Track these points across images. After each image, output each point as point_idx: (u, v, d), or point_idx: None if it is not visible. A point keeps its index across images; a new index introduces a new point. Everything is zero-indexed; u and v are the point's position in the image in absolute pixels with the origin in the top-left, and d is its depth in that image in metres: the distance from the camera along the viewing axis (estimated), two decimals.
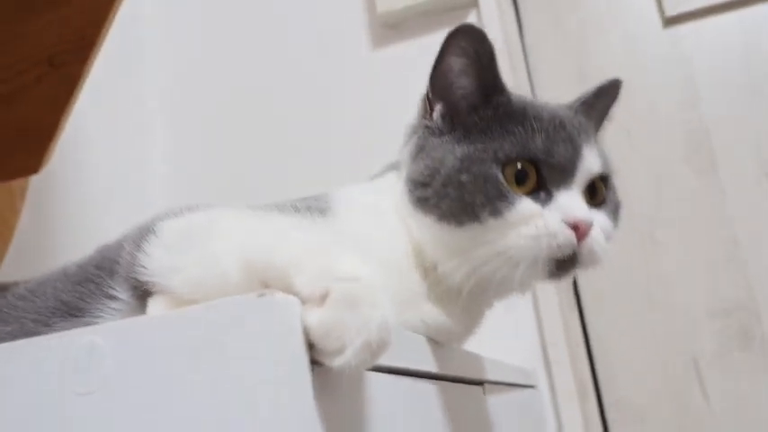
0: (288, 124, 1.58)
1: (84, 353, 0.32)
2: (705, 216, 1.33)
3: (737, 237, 1.30)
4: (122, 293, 0.47)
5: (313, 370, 0.32)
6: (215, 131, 1.64)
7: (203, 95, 1.67)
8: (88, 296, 0.48)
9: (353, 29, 1.59)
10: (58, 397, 0.32)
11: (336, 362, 0.31)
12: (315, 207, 0.55)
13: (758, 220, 1.30)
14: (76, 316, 0.48)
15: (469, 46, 0.56)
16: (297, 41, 1.63)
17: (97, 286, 0.48)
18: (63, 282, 0.51)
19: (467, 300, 0.57)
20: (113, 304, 0.47)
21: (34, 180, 1.02)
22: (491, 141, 0.55)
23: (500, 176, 0.53)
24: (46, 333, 0.46)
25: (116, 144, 1.48)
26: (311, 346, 0.32)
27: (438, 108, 0.59)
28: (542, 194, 0.54)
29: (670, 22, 1.43)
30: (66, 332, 0.34)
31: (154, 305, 0.43)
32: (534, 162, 0.54)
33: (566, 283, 1.33)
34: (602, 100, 0.66)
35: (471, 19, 1.41)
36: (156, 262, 0.44)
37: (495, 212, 0.52)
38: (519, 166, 0.54)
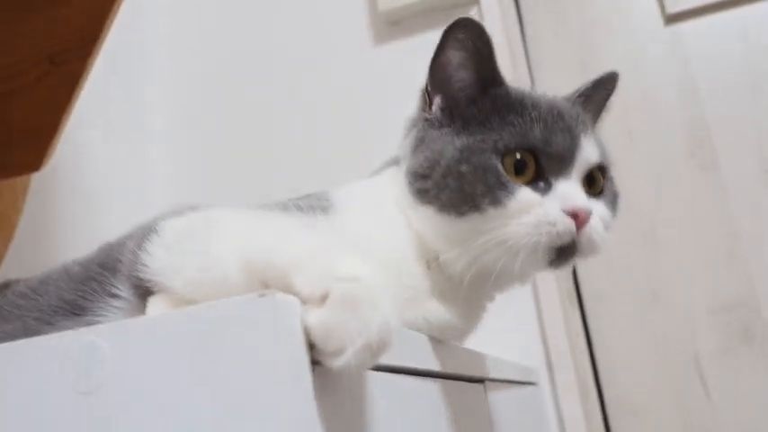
0: (290, 121, 1.57)
1: (85, 353, 0.32)
2: (706, 213, 1.33)
3: (738, 234, 1.30)
4: (125, 292, 0.47)
5: (314, 370, 0.32)
6: (216, 129, 1.64)
7: (204, 93, 1.67)
8: (91, 295, 0.48)
9: (355, 26, 1.59)
10: (59, 397, 0.32)
11: (337, 362, 0.31)
12: (316, 205, 0.55)
13: (759, 218, 1.30)
14: (79, 314, 0.48)
15: (467, 39, 0.57)
16: (298, 38, 1.63)
17: (100, 285, 0.48)
18: (65, 280, 0.51)
19: (468, 292, 0.58)
20: (116, 303, 0.47)
21: (36, 177, 1.03)
22: (490, 132, 0.55)
23: (499, 166, 0.54)
24: (48, 331, 0.46)
25: (117, 142, 1.48)
26: (312, 347, 0.32)
27: (437, 101, 0.60)
28: (541, 184, 0.55)
29: (671, 19, 1.43)
30: (68, 332, 0.34)
31: (153, 305, 0.44)
32: (533, 152, 0.55)
33: (567, 280, 1.33)
34: (599, 92, 0.66)
35: (472, 15, 1.41)
36: (157, 261, 0.44)
37: (495, 202, 0.53)
38: (518, 156, 0.54)
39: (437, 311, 0.56)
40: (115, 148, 1.47)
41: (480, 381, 0.71)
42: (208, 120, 1.65)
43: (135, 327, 0.33)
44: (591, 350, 1.32)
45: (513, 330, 1.23)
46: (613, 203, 0.61)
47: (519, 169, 0.54)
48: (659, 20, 1.44)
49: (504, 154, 0.54)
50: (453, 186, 0.54)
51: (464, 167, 0.54)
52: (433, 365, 0.52)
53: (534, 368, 1.22)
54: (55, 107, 0.87)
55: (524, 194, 0.53)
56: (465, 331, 0.63)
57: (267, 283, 0.36)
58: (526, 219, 0.53)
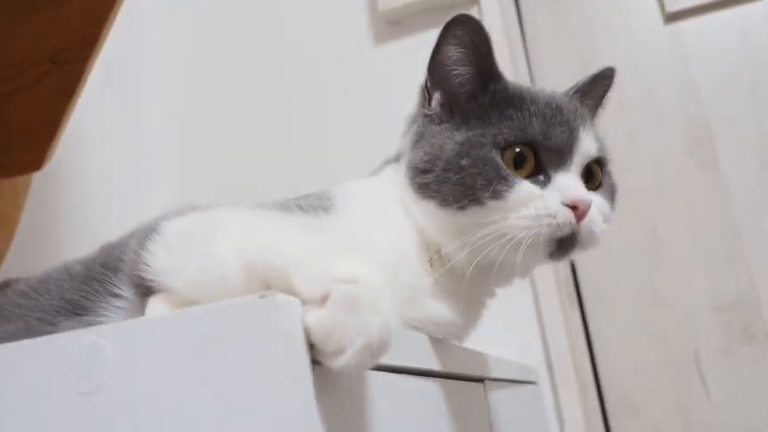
0: (289, 121, 1.57)
1: (87, 353, 0.32)
2: (707, 211, 1.33)
3: (739, 232, 1.30)
4: (126, 292, 0.47)
5: (314, 370, 0.32)
6: (215, 129, 1.64)
7: (204, 93, 1.67)
8: (92, 295, 0.48)
9: (355, 25, 1.59)
10: (62, 397, 0.32)
11: (336, 363, 0.31)
12: (318, 205, 0.55)
13: (760, 216, 1.30)
14: (81, 314, 0.48)
15: (466, 35, 0.58)
16: (298, 39, 1.63)
17: (102, 285, 0.49)
18: (67, 280, 0.52)
19: (470, 287, 0.58)
20: (118, 303, 0.48)
21: (37, 177, 1.03)
22: (489, 127, 0.56)
23: (499, 160, 0.54)
24: (50, 331, 0.47)
25: (117, 141, 1.48)
26: (312, 347, 0.32)
27: (437, 96, 0.60)
28: (541, 177, 0.55)
29: (671, 18, 1.43)
30: (70, 333, 0.34)
31: (152, 305, 0.44)
32: (532, 145, 0.55)
33: (566, 280, 1.33)
34: (596, 88, 0.67)
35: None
36: (159, 261, 0.44)
37: (496, 195, 0.53)
38: (517, 149, 0.55)
39: (438, 309, 0.57)
40: (116, 147, 1.47)
41: (480, 380, 0.71)
42: (207, 119, 1.65)
43: (137, 327, 0.33)
44: (591, 350, 1.32)
45: (513, 330, 1.23)
46: (612, 196, 0.61)
47: (518, 163, 0.55)
48: (659, 19, 1.44)
49: (504, 148, 0.55)
50: (454, 180, 0.55)
51: (464, 161, 0.54)
52: (433, 365, 0.52)
53: (534, 367, 1.22)
54: (55, 107, 0.88)
55: (524, 187, 0.54)
56: (465, 329, 0.63)
57: (268, 283, 0.36)
58: (526, 211, 0.53)
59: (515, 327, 1.26)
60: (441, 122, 0.59)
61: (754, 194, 1.31)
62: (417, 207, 0.58)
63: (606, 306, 1.34)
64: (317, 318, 0.32)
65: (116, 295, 0.48)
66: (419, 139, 0.60)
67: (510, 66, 1.37)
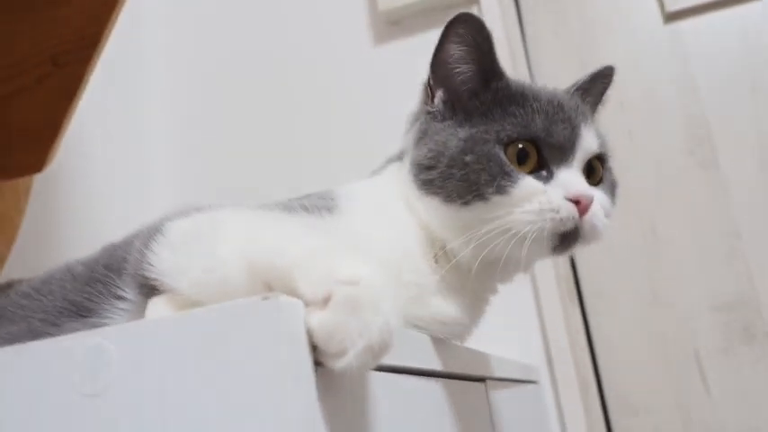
0: (290, 121, 1.58)
1: (91, 355, 0.32)
2: (707, 211, 1.33)
3: (739, 231, 1.30)
4: (130, 293, 0.48)
5: (316, 371, 0.32)
6: (216, 129, 1.64)
7: (204, 94, 1.68)
8: (96, 296, 0.49)
9: (355, 25, 1.59)
10: (66, 399, 0.32)
11: (338, 364, 0.31)
12: (321, 205, 0.55)
13: (760, 215, 1.30)
14: (84, 316, 0.49)
15: (468, 33, 0.59)
16: (298, 39, 1.63)
17: (105, 287, 0.49)
18: (70, 281, 0.52)
19: (475, 283, 0.59)
20: (121, 304, 0.48)
21: (38, 179, 1.03)
22: (492, 123, 0.57)
23: (502, 156, 0.55)
24: (54, 333, 0.47)
25: (119, 142, 1.49)
26: (314, 348, 0.32)
27: (439, 94, 0.61)
28: (543, 173, 0.56)
29: (671, 17, 1.43)
30: (74, 334, 0.34)
31: (153, 306, 0.44)
32: (535, 142, 0.56)
33: (567, 278, 1.33)
34: (596, 86, 0.68)
35: None
36: (163, 262, 0.44)
37: (500, 190, 0.54)
38: (520, 145, 0.56)
39: (444, 307, 0.57)
40: (118, 148, 1.47)
41: (481, 380, 0.72)
42: (209, 120, 1.65)
43: (141, 329, 0.33)
44: (591, 348, 1.32)
45: (513, 328, 1.23)
46: (612, 192, 0.62)
47: (521, 159, 0.56)
48: (659, 18, 1.44)
49: (507, 144, 0.56)
50: (458, 176, 0.55)
51: (468, 157, 0.55)
52: (435, 365, 0.52)
53: (535, 367, 1.22)
54: (56, 109, 0.88)
55: (527, 183, 0.54)
56: (469, 327, 0.64)
57: (271, 285, 0.36)
58: (530, 206, 0.54)
59: (516, 323, 1.27)
60: (444, 119, 0.60)
61: (753, 194, 1.31)
62: (421, 203, 0.58)
63: (607, 305, 1.34)
64: (319, 319, 0.32)
65: (119, 297, 0.48)
66: (422, 136, 0.60)
67: (510, 65, 1.38)
